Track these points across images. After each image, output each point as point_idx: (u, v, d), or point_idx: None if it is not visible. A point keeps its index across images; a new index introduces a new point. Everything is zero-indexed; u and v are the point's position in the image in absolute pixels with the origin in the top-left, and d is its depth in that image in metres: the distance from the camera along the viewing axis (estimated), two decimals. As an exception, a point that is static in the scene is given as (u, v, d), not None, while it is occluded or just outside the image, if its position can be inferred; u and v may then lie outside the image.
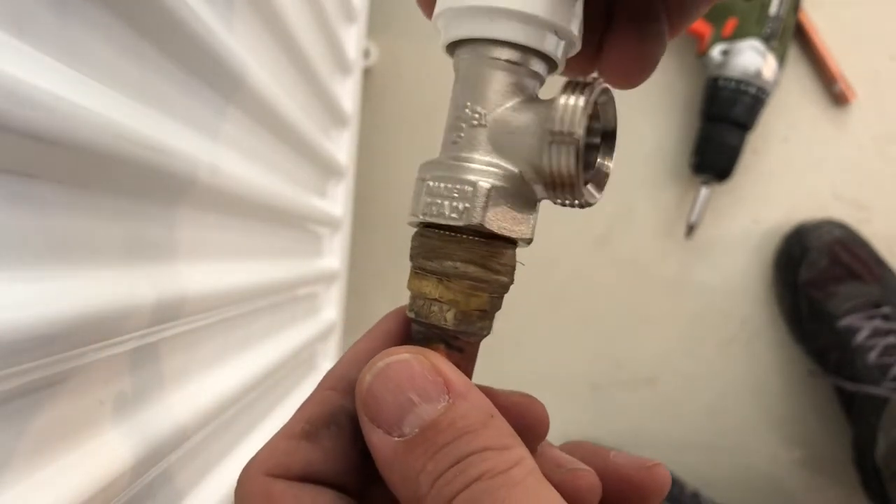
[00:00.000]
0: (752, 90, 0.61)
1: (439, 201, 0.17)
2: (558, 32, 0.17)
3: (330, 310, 0.55)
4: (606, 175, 0.18)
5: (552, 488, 0.14)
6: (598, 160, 0.18)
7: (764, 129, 0.66)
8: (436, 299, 0.17)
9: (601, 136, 0.18)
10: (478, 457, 0.14)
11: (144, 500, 0.24)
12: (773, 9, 0.60)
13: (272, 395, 0.40)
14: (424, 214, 0.17)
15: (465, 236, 0.17)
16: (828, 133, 0.67)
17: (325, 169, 0.50)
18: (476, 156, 0.17)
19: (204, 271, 0.27)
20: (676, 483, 0.64)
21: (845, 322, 0.60)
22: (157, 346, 0.24)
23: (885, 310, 0.60)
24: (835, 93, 0.66)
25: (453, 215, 0.16)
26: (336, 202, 0.54)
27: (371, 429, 0.15)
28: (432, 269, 0.17)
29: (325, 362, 0.55)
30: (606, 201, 0.69)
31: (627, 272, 0.69)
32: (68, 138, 0.16)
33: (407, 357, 0.15)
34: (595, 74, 0.19)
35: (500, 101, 0.17)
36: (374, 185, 0.67)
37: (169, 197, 0.24)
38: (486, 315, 0.17)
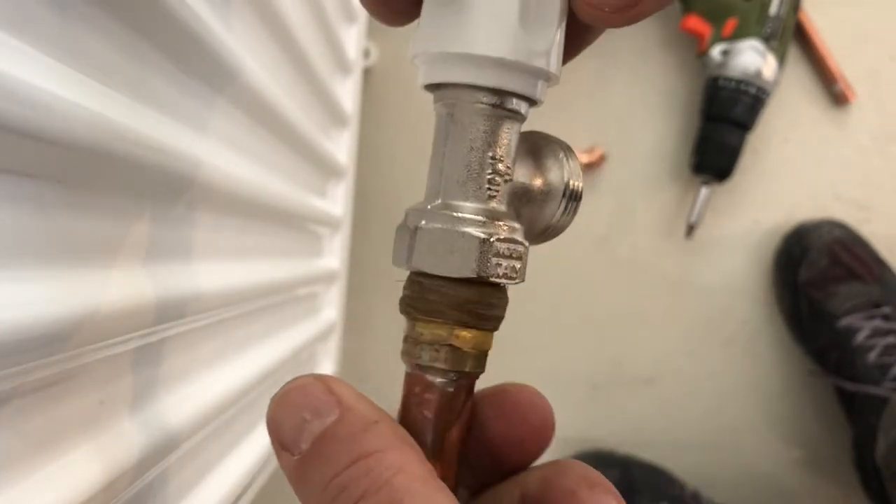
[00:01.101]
0: (752, 90, 0.61)
1: (500, 261, 0.17)
2: (550, 79, 0.18)
3: (330, 310, 0.55)
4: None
5: (445, 492, 0.15)
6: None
7: (764, 129, 0.66)
8: (471, 345, 0.17)
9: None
10: (362, 463, 0.15)
11: (144, 500, 0.24)
12: (773, 9, 0.60)
13: (272, 396, 0.40)
14: (489, 274, 0.17)
15: (487, 286, 0.17)
16: (828, 133, 0.67)
17: (325, 169, 0.50)
18: (508, 211, 0.18)
19: (204, 271, 0.27)
20: (676, 483, 0.64)
21: (845, 322, 0.60)
22: (157, 346, 0.24)
23: (885, 310, 0.60)
24: (835, 93, 0.66)
25: (512, 276, 0.17)
26: (336, 202, 0.54)
27: (279, 453, 0.16)
28: (457, 318, 0.17)
29: (325, 362, 0.55)
30: (606, 201, 0.69)
31: (627, 272, 0.69)
32: (68, 138, 0.16)
33: (303, 381, 0.16)
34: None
35: (513, 156, 0.18)
36: (374, 185, 0.67)
37: (168, 197, 0.24)
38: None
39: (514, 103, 0.17)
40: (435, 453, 0.18)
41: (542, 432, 0.20)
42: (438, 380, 0.18)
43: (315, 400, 0.16)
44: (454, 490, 0.17)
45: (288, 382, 0.17)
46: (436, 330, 0.17)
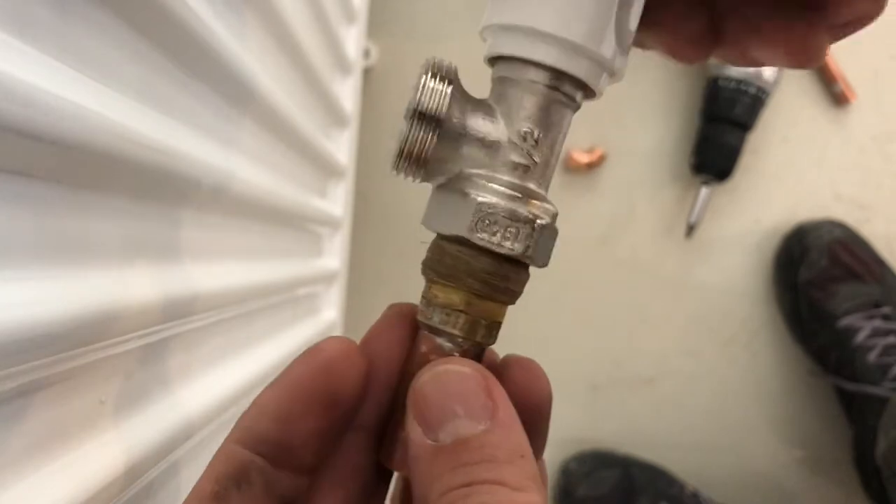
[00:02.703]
0: (752, 90, 0.61)
1: (496, 228, 0.17)
2: (614, 74, 0.17)
3: (330, 310, 0.55)
4: None
5: None
6: None
7: (764, 129, 0.66)
8: (482, 314, 0.17)
9: None
10: (489, 487, 0.14)
11: (145, 499, 0.24)
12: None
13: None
14: (475, 235, 0.17)
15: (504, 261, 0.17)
16: (828, 133, 0.67)
17: (325, 169, 0.50)
18: (541, 192, 0.18)
19: (204, 271, 0.27)
20: (676, 483, 0.64)
21: (845, 322, 0.60)
22: (157, 345, 0.24)
23: (885, 310, 0.60)
24: (835, 93, 0.66)
25: (514, 247, 0.17)
26: (336, 202, 0.54)
27: (413, 424, 0.16)
28: (470, 285, 0.17)
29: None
30: (606, 201, 0.69)
31: (627, 272, 0.69)
32: (68, 138, 0.16)
33: (466, 370, 0.16)
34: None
35: (561, 141, 0.18)
36: (374, 185, 0.67)
37: (168, 197, 0.24)
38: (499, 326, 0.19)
39: (569, 89, 0.17)
40: None
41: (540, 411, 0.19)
42: (447, 343, 0.18)
43: (472, 396, 0.15)
44: None
45: (444, 360, 0.16)
46: (450, 294, 0.17)
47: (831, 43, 0.18)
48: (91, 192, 0.19)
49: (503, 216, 0.17)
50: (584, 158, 0.67)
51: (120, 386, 0.22)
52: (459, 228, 0.17)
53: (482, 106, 0.17)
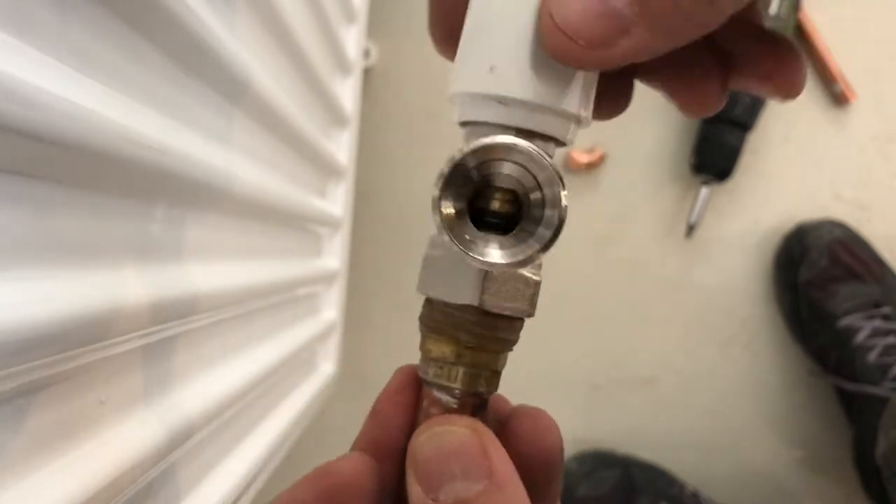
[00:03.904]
0: (752, 90, 0.61)
1: (503, 292, 0.17)
2: (580, 122, 0.18)
3: (330, 310, 0.55)
4: None
5: None
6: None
7: (764, 129, 0.66)
8: (475, 364, 0.18)
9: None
10: None
11: (145, 499, 0.24)
12: (773, 9, 0.60)
13: (272, 395, 0.41)
14: (487, 303, 0.17)
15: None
16: (828, 133, 0.67)
17: (325, 169, 0.50)
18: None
19: (204, 271, 0.27)
20: (676, 483, 0.64)
21: (845, 322, 0.60)
22: (157, 346, 0.24)
23: (885, 310, 0.60)
24: (835, 93, 0.66)
25: (521, 308, 0.17)
26: (336, 202, 0.54)
27: (413, 483, 0.16)
28: (458, 337, 0.17)
29: (325, 362, 0.55)
30: (606, 201, 0.69)
31: (627, 272, 0.69)
32: (68, 138, 0.16)
33: (459, 430, 0.16)
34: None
35: None
36: (374, 185, 0.67)
37: (168, 197, 0.24)
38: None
39: (552, 148, 0.17)
40: None
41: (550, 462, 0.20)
42: (444, 396, 0.18)
43: (470, 458, 0.16)
44: None
45: (443, 419, 0.17)
46: (442, 347, 0.18)
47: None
48: (91, 192, 0.19)
49: (508, 280, 0.17)
50: (584, 158, 0.67)
51: (120, 386, 0.22)
52: (470, 298, 0.17)
53: None
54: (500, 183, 0.17)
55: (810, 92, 0.67)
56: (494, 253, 0.16)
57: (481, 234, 0.16)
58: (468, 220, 0.16)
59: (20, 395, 0.17)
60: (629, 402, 0.69)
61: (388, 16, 0.67)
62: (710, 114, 0.19)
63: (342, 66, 0.53)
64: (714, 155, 0.63)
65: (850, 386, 0.59)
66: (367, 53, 0.65)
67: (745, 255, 0.68)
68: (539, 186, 0.16)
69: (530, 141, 0.16)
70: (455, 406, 0.18)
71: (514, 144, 0.16)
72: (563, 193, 0.16)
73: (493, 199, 0.17)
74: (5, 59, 0.14)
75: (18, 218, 0.16)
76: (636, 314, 0.69)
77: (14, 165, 0.16)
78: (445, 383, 0.18)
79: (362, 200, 0.64)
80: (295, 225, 0.44)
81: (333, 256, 0.54)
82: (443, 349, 0.18)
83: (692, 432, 0.68)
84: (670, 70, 0.18)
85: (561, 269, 0.68)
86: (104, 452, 0.20)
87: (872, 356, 0.58)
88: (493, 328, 0.17)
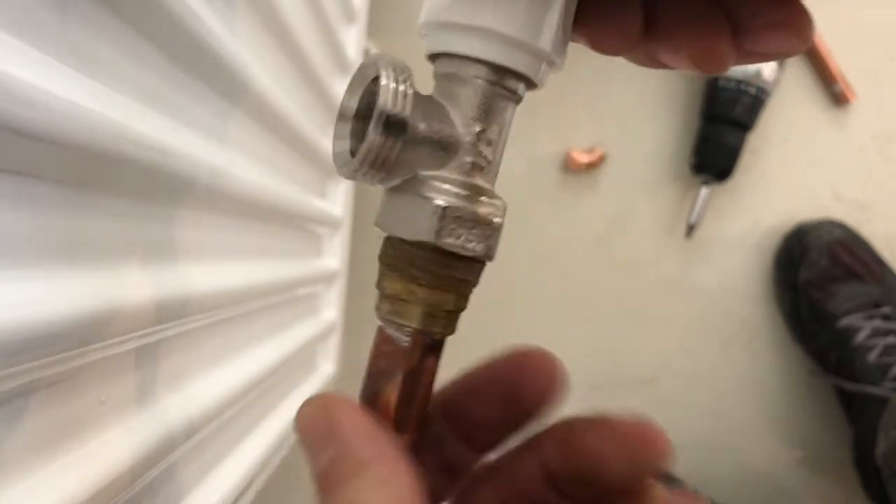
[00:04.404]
0: (752, 90, 0.61)
1: (461, 231, 0.17)
2: (552, 64, 0.17)
3: (330, 310, 0.55)
4: None
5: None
6: None
7: (764, 129, 0.66)
8: (429, 303, 0.17)
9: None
10: None
11: (145, 499, 0.24)
12: None
13: (272, 395, 0.41)
14: (443, 240, 0.17)
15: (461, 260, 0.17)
16: (828, 133, 0.67)
17: (325, 169, 0.50)
18: (492, 189, 0.18)
19: (204, 271, 0.27)
20: (676, 483, 0.64)
21: (845, 322, 0.60)
22: (157, 346, 0.24)
23: (885, 310, 0.60)
24: (835, 93, 0.66)
25: (477, 248, 0.17)
26: (336, 202, 0.54)
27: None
28: (421, 278, 0.17)
29: (325, 362, 0.55)
30: (606, 201, 0.69)
31: (627, 272, 0.69)
32: (68, 138, 0.16)
33: (309, 410, 0.17)
34: None
35: (504, 135, 0.18)
36: (374, 185, 0.67)
37: (168, 197, 0.24)
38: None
39: (511, 83, 0.17)
40: (380, 406, 0.18)
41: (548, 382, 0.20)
42: (395, 334, 0.18)
43: (315, 432, 0.16)
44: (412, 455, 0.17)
45: (305, 403, 0.17)
46: (395, 284, 0.17)
47: (743, 62, 0.18)
48: (91, 192, 0.19)
49: (467, 219, 0.17)
50: (584, 158, 0.67)
51: (120, 386, 0.22)
52: (426, 234, 0.16)
53: (436, 106, 0.17)
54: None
55: (810, 92, 0.67)
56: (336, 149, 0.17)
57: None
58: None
59: (20, 395, 0.17)
60: (629, 402, 0.69)
61: (388, 16, 0.67)
62: (723, 70, 0.18)
63: (342, 66, 0.53)
64: (714, 155, 0.63)
65: (850, 386, 0.59)
66: (367, 53, 0.65)
67: (745, 255, 0.68)
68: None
69: (505, 77, 0.17)
70: (406, 344, 0.18)
71: (360, 66, 0.16)
72: (382, 82, 0.16)
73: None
74: (5, 59, 0.14)
75: (18, 218, 0.16)
76: (636, 314, 0.69)
77: (14, 165, 0.16)
78: (398, 321, 0.17)
79: (362, 200, 0.64)
80: (295, 225, 0.44)
81: (333, 256, 0.54)
82: (396, 286, 0.17)
83: (692, 432, 0.68)
84: (681, 30, 0.18)
85: (561, 270, 0.68)
86: (104, 452, 0.20)
87: (872, 356, 0.58)
88: (448, 267, 0.17)
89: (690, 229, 0.66)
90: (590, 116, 0.68)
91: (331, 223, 0.51)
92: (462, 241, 0.17)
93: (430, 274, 0.17)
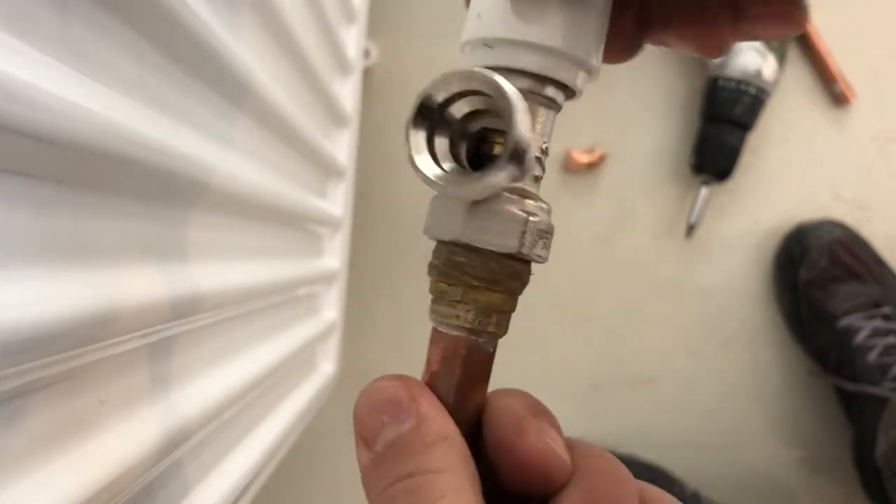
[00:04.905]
0: (752, 90, 0.61)
1: (537, 240, 0.17)
2: (591, 71, 0.18)
3: (330, 310, 0.55)
4: None
5: None
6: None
7: (764, 129, 0.66)
8: (486, 306, 0.18)
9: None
10: (411, 481, 0.15)
11: (145, 499, 0.24)
12: None
13: (272, 395, 0.41)
14: (528, 251, 0.17)
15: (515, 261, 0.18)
16: (828, 133, 0.67)
17: (325, 169, 0.50)
18: (536, 192, 0.18)
19: (204, 271, 0.27)
20: (676, 483, 0.64)
21: (845, 322, 0.60)
22: (157, 346, 0.24)
23: (885, 310, 0.60)
24: (835, 93, 0.66)
25: (544, 255, 0.18)
26: (336, 202, 0.54)
27: (358, 446, 0.17)
28: (464, 280, 0.18)
29: (325, 362, 0.55)
30: (606, 201, 0.69)
31: (627, 272, 0.69)
32: (68, 138, 0.16)
33: (388, 382, 0.17)
34: None
35: (548, 141, 0.19)
36: (374, 185, 0.67)
37: (168, 197, 0.24)
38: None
39: (552, 91, 0.18)
40: (468, 415, 0.18)
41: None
42: (487, 343, 0.18)
43: (396, 404, 0.16)
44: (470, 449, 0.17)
45: (376, 379, 0.17)
46: (492, 298, 0.18)
47: (739, 40, 0.19)
48: (91, 192, 0.19)
49: (544, 230, 0.17)
50: (584, 158, 0.67)
51: (120, 386, 0.22)
52: (514, 246, 0.17)
53: None
54: (470, 121, 0.17)
55: (810, 92, 0.67)
56: (427, 165, 0.17)
57: (448, 166, 0.17)
58: (427, 151, 0.17)
59: (20, 395, 0.17)
60: (629, 402, 0.69)
61: (388, 16, 0.67)
62: (724, 55, 0.19)
63: (342, 66, 0.53)
64: (714, 155, 0.63)
65: (850, 386, 0.59)
66: (367, 53, 0.65)
67: (745, 255, 0.68)
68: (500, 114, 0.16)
69: (545, 87, 0.17)
70: (492, 350, 0.18)
71: (471, 72, 0.16)
72: (518, 117, 0.15)
73: (487, 142, 0.18)
74: (5, 59, 0.14)
75: (18, 218, 0.16)
76: (636, 314, 0.69)
77: (14, 165, 0.16)
78: (493, 330, 0.18)
79: (362, 200, 0.64)
80: (295, 225, 0.44)
81: (333, 256, 0.54)
82: (441, 287, 0.18)
83: (692, 432, 0.68)
84: (682, 20, 0.19)
85: (561, 270, 0.68)
86: (104, 452, 0.20)
87: (872, 356, 0.58)
88: (514, 272, 0.18)
89: (690, 229, 0.66)
90: (590, 116, 0.68)
91: (331, 223, 0.51)
92: (538, 251, 0.17)
93: (499, 280, 0.18)
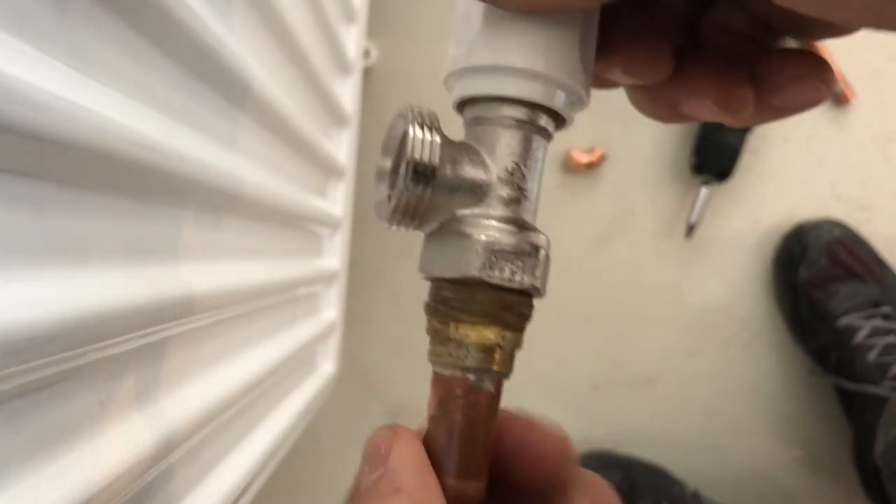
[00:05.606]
0: (752, 90, 0.61)
1: (504, 265, 0.17)
2: (581, 101, 0.18)
3: (330, 310, 0.55)
4: None
5: None
6: None
7: (764, 129, 0.66)
8: (496, 345, 0.17)
9: None
10: None
11: (145, 499, 0.24)
12: None
13: (272, 395, 0.41)
14: (488, 274, 0.17)
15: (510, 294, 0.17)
16: (828, 133, 0.67)
17: (325, 169, 0.50)
18: (532, 223, 0.18)
19: (204, 271, 0.27)
20: (677, 483, 0.64)
21: (845, 321, 0.60)
22: (157, 346, 0.24)
23: (885, 309, 0.60)
24: (835, 93, 0.66)
25: (524, 279, 0.17)
26: (336, 202, 0.54)
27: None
28: (483, 319, 0.17)
29: (325, 362, 0.55)
30: (606, 201, 0.69)
31: (627, 272, 0.69)
32: (68, 138, 0.16)
33: (381, 433, 0.18)
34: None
35: (539, 170, 0.18)
36: (374, 185, 0.67)
37: (168, 197, 0.24)
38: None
39: (543, 121, 0.17)
40: (482, 462, 0.18)
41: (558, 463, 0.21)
42: (486, 383, 0.17)
43: (376, 454, 0.17)
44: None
45: (380, 426, 0.18)
46: (484, 332, 0.17)
47: (771, 118, 0.19)
48: (91, 192, 0.19)
49: (509, 251, 0.17)
50: (584, 158, 0.67)
51: (120, 386, 0.22)
52: (469, 270, 0.16)
53: (466, 149, 0.17)
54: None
55: (810, 92, 0.67)
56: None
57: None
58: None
59: (20, 395, 0.17)
60: (629, 402, 0.69)
61: (388, 16, 0.67)
62: (744, 117, 0.19)
63: (342, 66, 0.53)
64: (714, 155, 0.63)
65: (850, 385, 0.59)
66: (367, 53, 0.65)
67: (745, 255, 0.68)
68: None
69: (536, 115, 0.17)
70: (493, 391, 0.18)
71: (392, 122, 0.17)
72: (410, 136, 0.16)
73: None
74: (5, 59, 0.14)
75: (18, 218, 0.16)
76: (636, 314, 0.69)
77: (14, 165, 0.16)
78: (496, 369, 0.17)
79: (362, 200, 0.64)
80: (295, 225, 0.44)
81: (333, 256, 0.54)
82: (485, 334, 0.17)
83: (692, 432, 0.68)
84: (707, 78, 0.19)
85: (561, 269, 0.68)
86: (104, 452, 0.20)
87: (872, 356, 0.58)
88: (500, 303, 0.17)
89: (690, 229, 0.66)
90: (590, 116, 0.68)
91: (331, 223, 0.51)
92: (508, 274, 0.17)
93: (520, 317, 0.18)
